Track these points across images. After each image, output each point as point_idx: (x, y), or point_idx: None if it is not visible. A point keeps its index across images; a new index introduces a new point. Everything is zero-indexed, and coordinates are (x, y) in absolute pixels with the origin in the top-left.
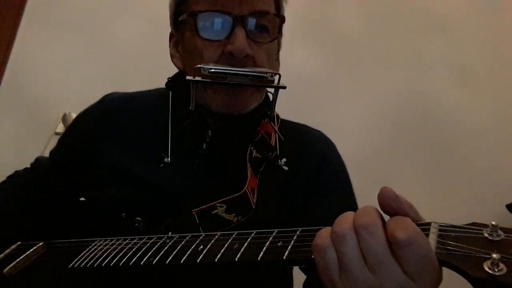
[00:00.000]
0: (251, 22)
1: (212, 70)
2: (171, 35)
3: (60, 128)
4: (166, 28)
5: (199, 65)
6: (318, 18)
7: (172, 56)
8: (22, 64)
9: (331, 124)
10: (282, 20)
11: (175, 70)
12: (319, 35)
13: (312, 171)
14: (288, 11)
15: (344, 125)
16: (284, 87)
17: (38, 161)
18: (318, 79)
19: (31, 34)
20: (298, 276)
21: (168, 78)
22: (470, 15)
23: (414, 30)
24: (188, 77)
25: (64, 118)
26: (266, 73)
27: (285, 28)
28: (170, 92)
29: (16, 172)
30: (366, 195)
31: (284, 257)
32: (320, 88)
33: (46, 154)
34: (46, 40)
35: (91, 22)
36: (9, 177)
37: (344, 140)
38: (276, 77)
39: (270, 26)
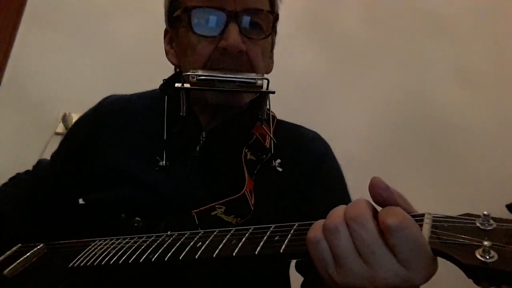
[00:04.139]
0: (245, 18)
1: (201, 77)
2: (166, 32)
3: (60, 128)
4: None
5: (187, 73)
6: (319, 18)
7: (167, 53)
8: (22, 64)
9: (332, 124)
10: (276, 17)
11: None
12: (319, 35)
13: (307, 172)
14: (289, 12)
15: (345, 124)
16: (273, 92)
17: (40, 164)
18: (319, 79)
19: (31, 34)
20: (296, 278)
21: (163, 80)
22: (471, 16)
23: (415, 31)
24: (177, 85)
25: (64, 118)
26: (254, 78)
27: (286, 28)
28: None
29: (18, 174)
30: (366, 195)
31: (281, 251)
32: (321, 88)
33: (46, 154)
34: (46, 40)
35: (91, 22)
36: (10, 179)
37: (345, 140)
38: (265, 82)
39: (263, 23)
